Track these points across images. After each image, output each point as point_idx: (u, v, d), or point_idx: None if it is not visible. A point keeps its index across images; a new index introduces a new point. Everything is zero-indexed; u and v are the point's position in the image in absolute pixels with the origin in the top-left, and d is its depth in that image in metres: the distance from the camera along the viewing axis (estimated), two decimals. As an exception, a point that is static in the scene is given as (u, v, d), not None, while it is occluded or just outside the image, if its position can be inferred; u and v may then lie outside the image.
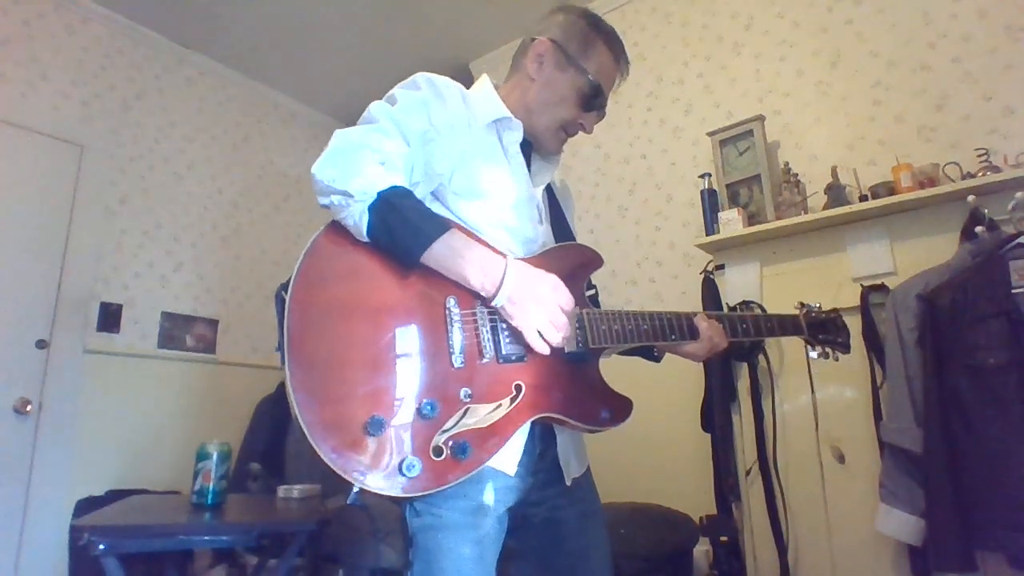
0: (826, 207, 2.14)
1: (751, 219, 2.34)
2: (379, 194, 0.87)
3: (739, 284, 2.31)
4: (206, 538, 1.69)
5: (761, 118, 2.41)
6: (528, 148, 1.12)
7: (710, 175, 2.46)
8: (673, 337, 1.07)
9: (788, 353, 2.19)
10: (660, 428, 2.47)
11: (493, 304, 0.90)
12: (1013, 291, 1.57)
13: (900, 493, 1.72)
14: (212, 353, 3.38)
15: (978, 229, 1.74)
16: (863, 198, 2.09)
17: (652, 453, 2.51)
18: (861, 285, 2.01)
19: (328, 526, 1.70)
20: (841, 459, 2.01)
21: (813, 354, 1.29)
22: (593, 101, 1.09)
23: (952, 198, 1.88)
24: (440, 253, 0.88)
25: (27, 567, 2.58)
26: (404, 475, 0.81)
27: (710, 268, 2.45)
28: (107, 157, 3.09)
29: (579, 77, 1.07)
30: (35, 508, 2.64)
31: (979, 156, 1.92)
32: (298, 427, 0.79)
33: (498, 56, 3.51)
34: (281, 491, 2.08)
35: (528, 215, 1.06)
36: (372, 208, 0.87)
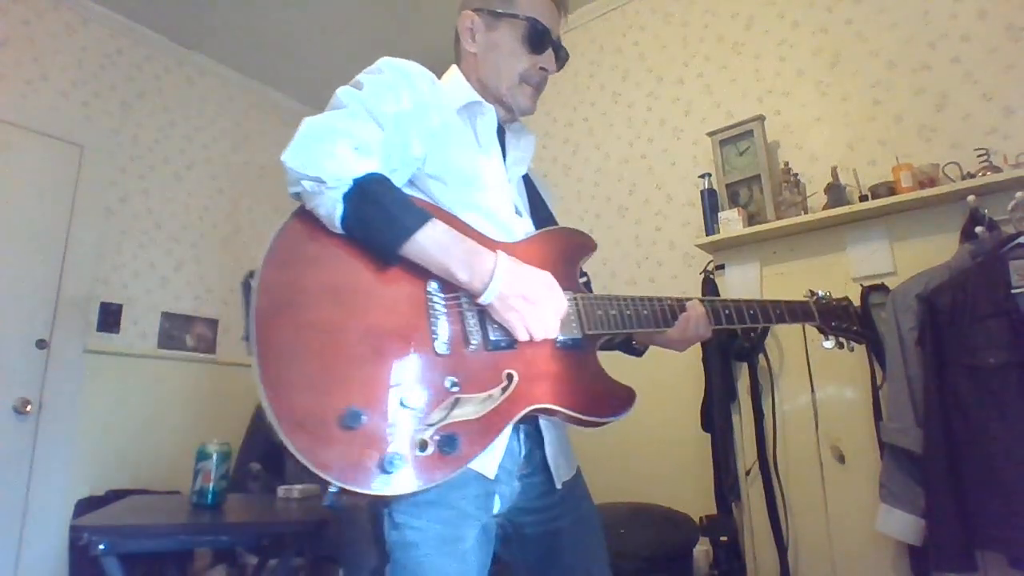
0: (826, 207, 2.14)
1: (751, 219, 2.34)
2: (355, 181, 0.81)
3: (739, 284, 2.32)
4: (206, 538, 1.69)
5: (761, 118, 2.41)
6: (502, 137, 1.08)
7: (710, 175, 2.46)
8: (675, 323, 1.02)
9: (788, 353, 2.19)
10: (660, 428, 2.46)
11: (480, 301, 0.84)
12: (1013, 291, 1.57)
13: (900, 493, 1.71)
14: (212, 353, 3.38)
15: (978, 229, 1.74)
16: (863, 198, 2.09)
17: (652, 453, 2.51)
18: (861, 285, 2.00)
19: (328, 526, 1.70)
20: (841, 459, 2.01)
21: (827, 344, 1.22)
22: (540, 40, 1.04)
23: (952, 198, 1.88)
24: (421, 246, 0.82)
25: (27, 567, 2.58)
26: (386, 472, 0.73)
27: (710, 268, 2.45)
28: (107, 157, 3.09)
29: (514, 24, 1.03)
30: (35, 508, 2.63)
31: (979, 156, 1.92)
32: (268, 420, 0.73)
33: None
34: (281, 491, 2.08)
35: (505, 200, 1.02)
36: (347, 197, 0.80)
